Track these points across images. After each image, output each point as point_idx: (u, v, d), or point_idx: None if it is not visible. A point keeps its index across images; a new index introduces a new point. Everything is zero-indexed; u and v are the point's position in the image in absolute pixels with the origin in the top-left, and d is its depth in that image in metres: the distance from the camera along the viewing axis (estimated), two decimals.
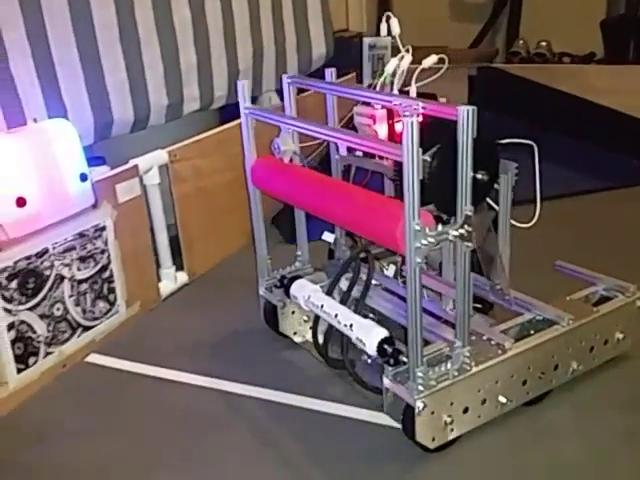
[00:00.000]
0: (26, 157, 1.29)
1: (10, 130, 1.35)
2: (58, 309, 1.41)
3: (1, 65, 1.44)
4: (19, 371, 1.34)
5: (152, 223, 1.69)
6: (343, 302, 1.25)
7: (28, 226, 1.30)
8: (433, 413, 1.10)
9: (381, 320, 1.30)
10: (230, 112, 1.80)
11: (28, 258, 1.33)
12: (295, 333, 1.48)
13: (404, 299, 1.10)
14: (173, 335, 1.56)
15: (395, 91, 1.21)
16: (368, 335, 1.13)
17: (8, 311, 1.30)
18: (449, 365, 1.12)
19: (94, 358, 1.48)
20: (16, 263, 1.30)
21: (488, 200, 1.24)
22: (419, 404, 1.07)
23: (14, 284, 1.30)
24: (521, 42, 4.14)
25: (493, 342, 1.17)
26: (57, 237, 1.38)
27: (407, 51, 1.21)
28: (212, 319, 1.59)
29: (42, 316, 1.37)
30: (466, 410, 1.14)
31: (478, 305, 1.33)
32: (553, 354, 1.22)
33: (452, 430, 1.13)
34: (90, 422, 1.29)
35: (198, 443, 1.20)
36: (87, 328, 1.49)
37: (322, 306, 1.24)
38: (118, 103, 1.67)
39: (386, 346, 1.12)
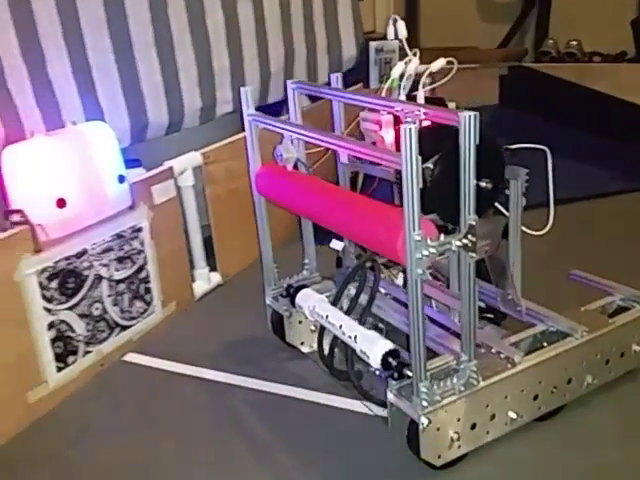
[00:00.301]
0: (66, 159, 1.31)
1: (49, 132, 1.37)
2: (97, 309, 1.43)
3: (39, 69, 1.47)
4: (59, 370, 1.36)
5: (186, 224, 1.70)
6: (349, 312, 1.22)
7: (68, 227, 1.32)
8: (439, 429, 1.06)
9: (390, 331, 1.28)
10: (270, 110, 1.81)
11: (68, 258, 1.35)
12: (302, 343, 1.45)
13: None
14: (207, 335, 1.57)
15: (402, 96, 1.18)
16: (372, 348, 1.09)
17: (48, 310, 1.32)
18: (455, 379, 1.07)
19: (131, 357, 1.50)
20: (56, 263, 1.33)
21: (498, 206, 1.24)
22: (424, 420, 1.03)
23: (54, 284, 1.33)
24: (551, 42, 4.09)
25: (502, 355, 1.13)
26: (96, 238, 1.40)
27: (414, 54, 1.18)
28: (245, 320, 1.60)
29: (81, 315, 1.40)
30: (474, 426, 1.10)
31: (490, 315, 1.30)
32: (566, 367, 1.17)
33: (459, 447, 1.09)
34: (128, 420, 1.31)
35: (232, 440, 1.21)
36: (124, 327, 1.51)
37: (327, 317, 1.21)
38: (153, 106, 1.69)
39: (390, 359, 1.07)
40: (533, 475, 1.10)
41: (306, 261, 1.47)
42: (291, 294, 1.32)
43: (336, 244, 1.42)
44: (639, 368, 1.28)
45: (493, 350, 1.14)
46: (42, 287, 1.30)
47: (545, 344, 1.18)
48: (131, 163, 1.63)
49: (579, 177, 2.20)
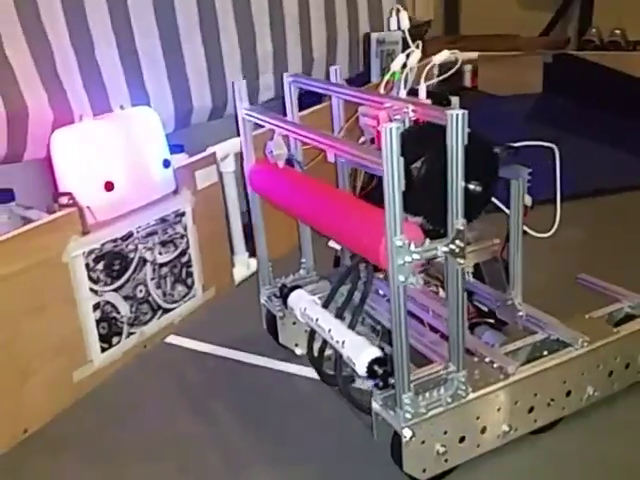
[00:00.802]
0: (113, 143, 1.33)
1: (97, 117, 1.39)
2: (141, 291, 1.45)
3: (88, 55, 1.49)
4: (103, 350, 1.39)
5: (227, 210, 1.72)
6: (340, 316, 1.17)
7: (115, 210, 1.35)
8: (424, 442, 1.00)
9: (386, 333, 1.23)
10: (304, 100, 1.81)
11: (114, 241, 1.37)
12: (297, 345, 1.40)
13: (409, 311, 1.02)
14: (246, 319, 1.58)
15: (402, 90, 1.11)
16: (358, 354, 1.03)
17: (94, 292, 1.35)
18: (442, 390, 1.01)
19: (173, 339, 1.53)
20: (103, 245, 1.35)
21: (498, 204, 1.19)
22: (407, 432, 0.97)
23: (100, 266, 1.35)
24: (594, 30, 4.01)
25: (496, 365, 1.06)
26: (141, 221, 1.42)
27: (417, 47, 1.12)
28: None
29: (126, 297, 1.42)
30: (462, 439, 1.03)
31: (491, 320, 1.25)
32: (565, 379, 1.11)
33: (446, 461, 1.02)
34: (168, 400, 1.33)
35: (276, 422, 1.23)
36: (167, 310, 1.53)
37: (317, 320, 1.16)
38: (197, 91, 1.70)
39: (376, 367, 1.01)
40: None
41: (303, 260, 1.42)
42: (284, 294, 1.27)
43: (334, 243, 1.37)
44: None
45: (487, 359, 1.08)
46: (89, 269, 1.33)
47: (545, 353, 1.12)
48: (175, 148, 1.64)
49: (616, 166, 2.17)
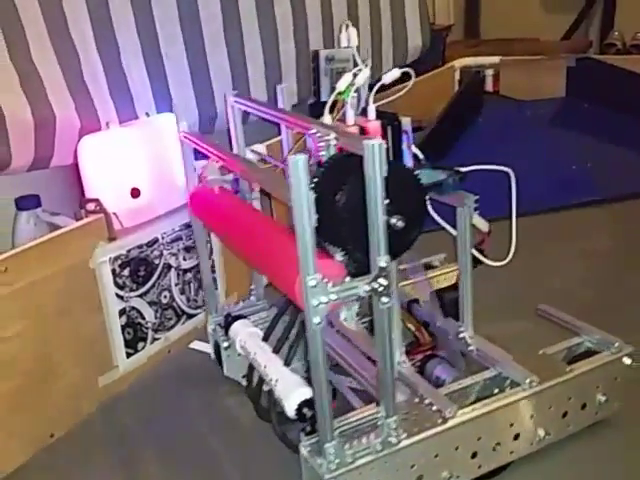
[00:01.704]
0: (140, 149, 1.35)
1: (124, 124, 1.40)
2: (165, 297, 1.46)
3: (114, 62, 1.50)
4: (128, 355, 1.40)
5: None
6: (277, 350, 1.12)
7: (141, 216, 1.36)
8: None
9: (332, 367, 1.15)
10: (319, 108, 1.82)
11: (140, 247, 1.38)
12: (244, 377, 1.27)
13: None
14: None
15: (349, 111, 1.05)
16: (289, 395, 0.99)
17: (120, 297, 1.36)
18: (372, 437, 0.93)
19: (196, 345, 1.53)
20: (129, 252, 1.36)
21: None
22: None
23: (126, 272, 1.36)
24: (616, 34, 3.98)
25: (434, 408, 1.00)
26: (166, 227, 1.43)
27: (366, 65, 1.07)
28: None
29: (151, 303, 1.43)
30: None
31: (442, 354, 1.19)
32: (512, 422, 1.03)
33: None
34: (193, 404, 1.34)
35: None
36: (190, 316, 1.54)
37: (255, 353, 1.12)
38: (221, 98, 1.71)
39: (306, 410, 0.97)
40: None
41: (252, 286, 1.36)
42: (227, 324, 1.24)
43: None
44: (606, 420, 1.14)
45: (426, 400, 1.02)
46: (115, 274, 1.34)
47: (496, 391, 1.06)
48: (199, 155, 1.65)
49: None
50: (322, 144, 0.95)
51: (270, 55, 1.82)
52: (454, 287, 1.22)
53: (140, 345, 1.42)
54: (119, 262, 1.34)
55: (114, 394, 1.37)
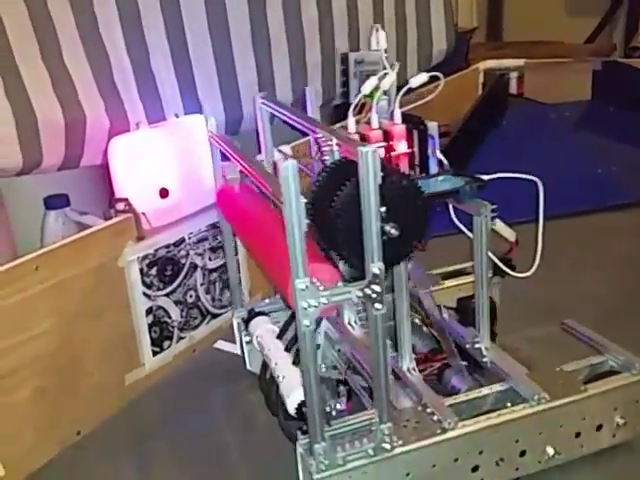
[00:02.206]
0: (169, 150, 1.36)
1: (153, 125, 1.42)
2: (191, 296, 1.47)
3: (143, 64, 1.52)
4: (154, 354, 1.41)
5: None
6: (288, 349, 1.14)
7: (169, 216, 1.37)
8: None
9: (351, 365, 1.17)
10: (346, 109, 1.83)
11: (167, 247, 1.39)
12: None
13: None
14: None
15: (374, 116, 1.09)
16: (290, 393, 1.02)
17: (147, 296, 1.37)
18: (366, 442, 0.94)
19: (221, 344, 1.54)
20: (156, 251, 1.37)
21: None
22: None
23: (154, 271, 1.38)
24: None
25: (435, 418, 0.98)
26: (193, 227, 1.44)
27: (392, 69, 1.10)
28: None
29: (177, 302, 1.44)
30: None
31: (464, 362, 1.16)
32: (517, 438, 1.00)
33: None
34: (216, 402, 1.36)
35: None
36: (215, 315, 1.55)
37: (268, 350, 1.15)
38: (248, 101, 1.72)
39: (305, 409, 0.95)
40: None
41: None
42: (247, 319, 1.28)
43: None
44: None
45: (428, 410, 1.01)
46: (143, 273, 1.35)
47: (508, 405, 1.03)
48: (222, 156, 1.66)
49: None
50: (326, 149, 0.97)
51: (296, 58, 1.83)
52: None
53: (166, 344, 1.44)
54: (147, 261, 1.36)
55: (140, 392, 1.38)
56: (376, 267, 0.85)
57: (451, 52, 2.31)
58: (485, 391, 1.07)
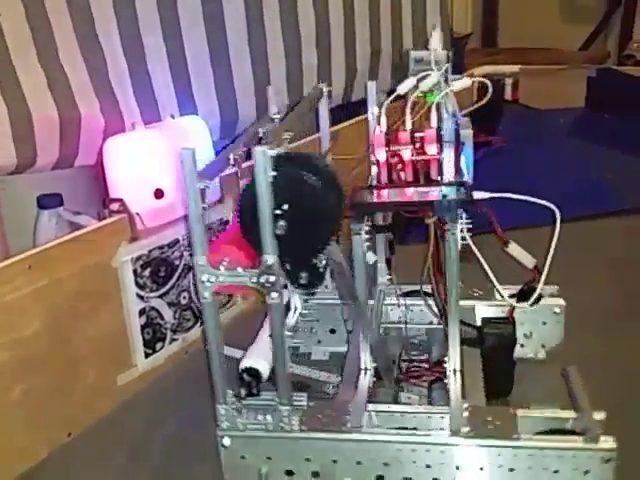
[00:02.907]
0: (164, 151, 1.35)
1: (148, 125, 1.42)
2: (184, 298, 1.47)
3: (139, 64, 1.52)
4: (146, 355, 1.41)
5: None
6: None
7: (163, 217, 1.37)
8: (244, 457, 1.03)
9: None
10: (342, 112, 1.83)
11: (161, 248, 1.39)
12: None
13: None
14: None
15: (433, 115, 1.09)
16: (243, 359, 1.09)
17: (141, 297, 1.37)
18: (268, 417, 1.01)
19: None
20: (150, 252, 1.37)
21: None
22: (225, 441, 1.03)
23: (147, 272, 1.37)
24: (635, 45, 3.97)
25: (348, 417, 1.02)
26: (187, 229, 1.44)
27: (438, 70, 1.10)
28: None
29: (170, 304, 1.44)
30: (291, 473, 1.02)
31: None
32: (428, 464, 0.98)
33: None
34: (208, 406, 1.33)
35: None
36: None
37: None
38: (243, 103, 1.73)
39: (245, 375, 1.07)
40: None
41: None
42: None
43: None
44: None
45: (350, 408, 1.04)
46: (136, 274, 1.35)
47: (429, 429, 1.02)
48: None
49: None
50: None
51: (292, 63, 1.83)
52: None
53: (158, 345, 1.43)
54: (140, 262, 1.35)
55: (132, 393, 1.37)
56: (269, 259, 0.91)
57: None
58: (422, 409, 1.07)
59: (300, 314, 1.15)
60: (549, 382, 1.25)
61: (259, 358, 1.08)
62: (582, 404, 1.02)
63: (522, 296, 1.23)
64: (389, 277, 1.37)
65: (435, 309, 1.26)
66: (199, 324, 1.52)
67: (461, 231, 1.01)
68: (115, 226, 1.30)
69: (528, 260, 1.14)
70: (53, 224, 1.58)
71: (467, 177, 1.11)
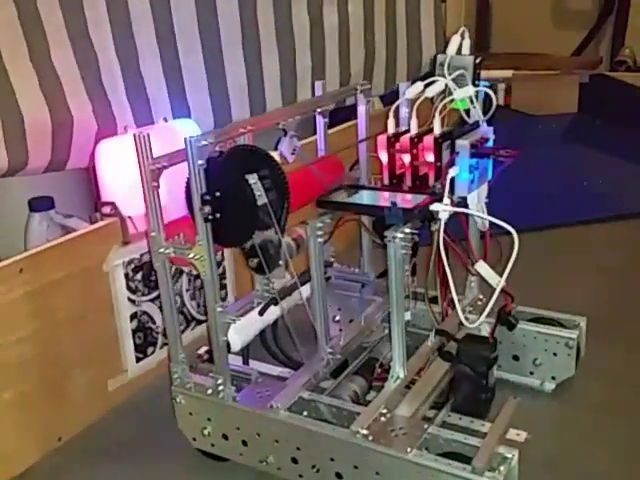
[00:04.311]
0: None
1: (141, 128, 1.40)
2: (176, 302, 1.45)
3: (132, 67, 1.50)
4: (138, 360, 1.40)
5: None
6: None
7: None
8: (191, 414, 1.16)
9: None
10: (337, 116, 1.82)
11: None
12: None
13: None
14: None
15: (413, 121, 1.12)
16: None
17: (132, 301, 1.36)
18: (211, 383, 1.14)
19: (205, 351, 1.52)
20: (142, 256, 1.36)
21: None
22: (178, 397, 1.17)
23: (139, 276, 1.36)
24: (627, 51, 3.98)
25: (275, 399, 1.10)
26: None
27: (445, 76, 1.13)
28: None
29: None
30: (226, 437, 1.13)
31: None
32: (332, 457, 1.03)
33: (213, 445, 1.15)
34: None
35: None
36: (200, 322, 1.54)
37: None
38: (237, 106, 1.72)
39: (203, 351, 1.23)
40: None
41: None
42: None
43: None
44: None
45: (282, 392, 1.13)
46: (128, 278, 1.34)
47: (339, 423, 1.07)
48: None
49: None
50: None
51: (286, 67, 1.83)
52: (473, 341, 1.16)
53: (150, 350, 1.42)
54: (132, 266, 1.34)
55: (123, 398, 1.36)
56: (202, 240, 1.04)
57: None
58: (336, 402, 1.11)
59: None
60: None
61: (233, 332, 1.16)
62: (491, 437, 1.01)
63: (501, 321, 1.22)
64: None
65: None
66: (191, 328, 1.51)
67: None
68: (107, 230, 1.29)
69: (493, 279, 1.11)
70: (44, 227, 1.57)
71: (461, 186, 1.11)
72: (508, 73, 2.77)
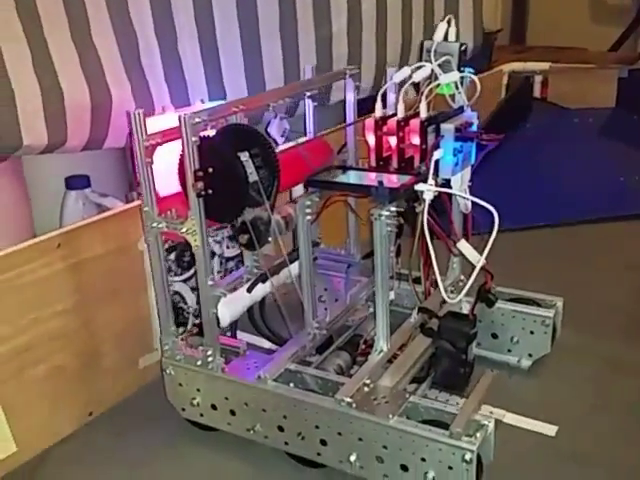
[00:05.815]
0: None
1: (178, 109, 1.41)
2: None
3: (171, 48, 1.51)
4: None
5: None
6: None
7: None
8: (180, 385, 1.20)
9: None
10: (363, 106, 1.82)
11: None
12: None
13: None
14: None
15: (400, 105, 1.13)
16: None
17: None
18: (200, 354, 1.17)
19: (244, 336, 1.53)
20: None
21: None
22: (168, 369, 1.20)
23: (172, 256, 1.37)
24: None
25: (262, 370, 1.14)
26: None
27: (431, 62, 1.15)
28: None
29: (193, 289, 1.43)
30: (214, 407, 1.18)
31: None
32: (317, 424, 1.08)
33: (202, 415, 1.19)
34: None
35: None
36: None
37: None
38: (272, 88, 1.71)
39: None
40: None
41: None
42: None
43: None
44: None
45: (272, 363, 1.17)
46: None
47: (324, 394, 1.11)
48: None
49: None
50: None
51: (322, 52, 1.82)
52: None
53: (180, 330, 1.43)
54: (166, 246, 1.34)
55: (153, 376, 1.37)
56: (193, 214, 1.07)
57: (477, 51, 2.29)
58: (326, 376, 1.15)
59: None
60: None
61: (222, 306, 1.18)
62: (469, 405, 1.05)
63: (481, 298, 1.24)
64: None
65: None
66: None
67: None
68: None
69: (473, 257, 1.15)
70: (80, 205, 1.59)
71: (446, 169, 1.13)
72: (545, 65, 2.73)
